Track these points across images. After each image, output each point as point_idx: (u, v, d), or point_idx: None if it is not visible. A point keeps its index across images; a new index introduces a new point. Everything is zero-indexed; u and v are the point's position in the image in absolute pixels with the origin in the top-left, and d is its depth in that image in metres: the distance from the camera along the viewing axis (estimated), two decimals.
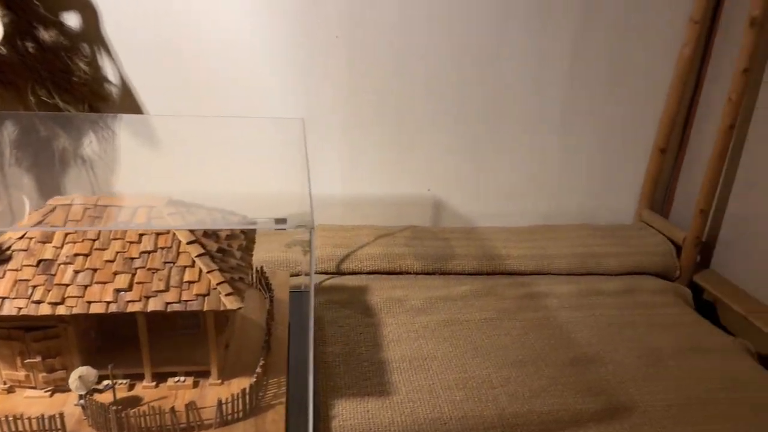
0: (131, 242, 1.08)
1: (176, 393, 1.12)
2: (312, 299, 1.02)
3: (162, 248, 1.07)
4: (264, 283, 1.48)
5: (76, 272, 1.03)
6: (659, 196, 2.34)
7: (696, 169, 2.17)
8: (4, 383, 1.08)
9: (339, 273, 1.90)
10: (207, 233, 1.12)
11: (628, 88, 2.15)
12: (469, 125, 2.14)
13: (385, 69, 2.01)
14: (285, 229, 1.89)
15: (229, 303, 1.02)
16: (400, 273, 1.94)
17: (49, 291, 1.00)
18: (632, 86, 2.15)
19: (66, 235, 1.07)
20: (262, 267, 1.51)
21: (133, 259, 1.06)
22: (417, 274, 1.95)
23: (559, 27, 2.03)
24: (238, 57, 1.91)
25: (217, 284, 1.04)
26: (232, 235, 1.20)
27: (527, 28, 2.02)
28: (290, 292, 1.57)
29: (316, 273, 1.88)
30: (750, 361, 1.58)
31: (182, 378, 1.15)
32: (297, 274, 1.79)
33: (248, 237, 1.26)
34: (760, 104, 1.88)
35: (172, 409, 1.02)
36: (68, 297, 1.00)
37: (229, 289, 1.03)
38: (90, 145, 1.83)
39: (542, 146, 2.21)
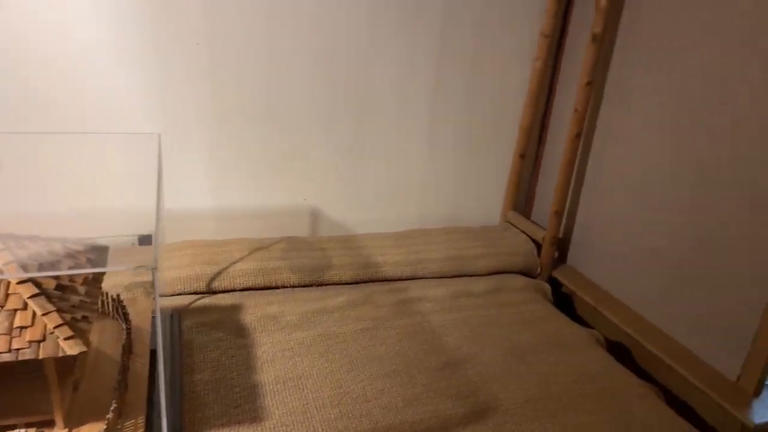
0: None
1: None
2: (160, 343, 0.96)
3: None
4: (121, 312, 1.37)
5: None
6: (521, 198, 2.51)
7: (551, 174, 2.34)
8: None
9: (210, 292, 1.81)
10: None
11: (490, 96, 2.28)
12: (341, 132, 2.15)
13: (250, 76, 1.95)
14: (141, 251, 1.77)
15: (70, 348, 0.93)
16: (276, 288, 1.90)
17: None
18: (493, 95, 2.28)
19: None
20: (118, 295, 1.40)
21: None
22: (294, 287, 1.92)
23: (424, 35, 2.09)
24: (87, 69, 1.75)
25: (55, 327, 0.94)
26: (75, 266, 1.10)
27: (395, 35, 2.05)
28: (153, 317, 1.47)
29: (184, 293, 1.78)
30: (600, 351, 1.74)
31: (23, 430, 1.03)
32: (165, 295, 1.69)
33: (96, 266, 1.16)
34: (603, 115, 2.07)
35: None
36: None
37: (69, 332, 0.94)
38: None
39: (412, 151, 2.27)
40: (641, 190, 1.92)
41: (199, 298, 1.77)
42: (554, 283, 2.24)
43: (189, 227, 2.06)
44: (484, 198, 2.47)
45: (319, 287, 1.94)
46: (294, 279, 1.91)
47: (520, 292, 2.03)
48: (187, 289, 1.79)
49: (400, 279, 2.04)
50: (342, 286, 1.96)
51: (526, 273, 2.21)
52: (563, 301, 2.24)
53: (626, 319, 1.93)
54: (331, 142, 2.15)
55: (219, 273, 1.84)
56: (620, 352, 1.97)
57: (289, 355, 1.54)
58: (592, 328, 2.05)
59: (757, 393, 1.58)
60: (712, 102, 1.65)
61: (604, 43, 2.02)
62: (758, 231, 1.54)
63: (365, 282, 2.01)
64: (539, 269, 2.23)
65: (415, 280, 2.04)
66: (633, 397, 1.52)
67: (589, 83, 1.99)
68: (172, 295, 1.76)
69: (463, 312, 1.87)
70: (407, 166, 2.29)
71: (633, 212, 1.96)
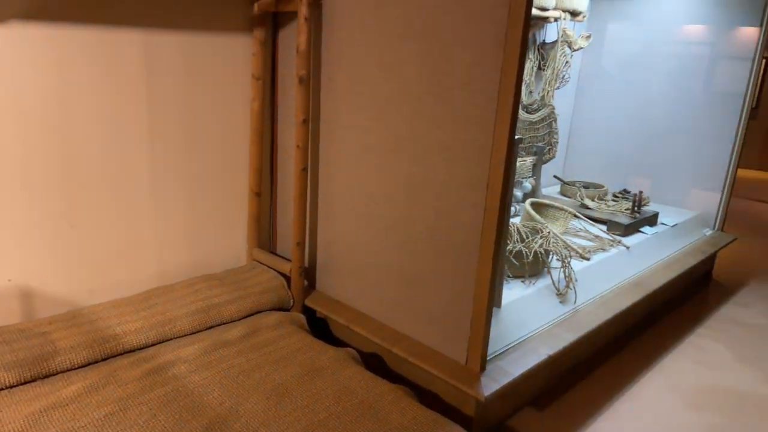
0: None
1: None
2: None
3: None
4: None
5: None
6: (265, 234, 2.54)
7: (288, 207, 2.43)
8: None
9: None
10: None
11: (216, 140, 2.26)
12: (50, 199, 1.89)
13: None
14: None
15: None
16: None
17: None
18: (219, 138, 2.27)
19: None
20: None
21: None
22: (11, 387, 1.61)
23: (129, 90, 1.98)
24: None
25: None
26: None
27: (96, 93, 1.90)
28: None
29: None
30: (357, 367, 1.86)
31: None
32: None
33: None
34: (323, 148, 2.23)
35: None
36: None
37: None
38: None
39: (137, 208, 2.12)
40: (367, 212, 2.11)
41: None
42: (308, 312, 2.32)
43: None
44: (226, 240, 2.43)
45: (46, 379, 1.67)
46: (9, 378, 1.61)
47: (276, 329, 2.05)
48: None
49: (146, 346, 1.88)
50: (75, 371, 1.72)
51: (280, 308, 2.25)
52: (320, 327, 2.34)
53: (374, 331, 2.10)
54: (36, 211, 1.87)
55: None
56: (375, 361, 2.14)
57: None
58: (349, 346, 2.19)
59: (483, 369, 1.87)
60: (404, 129, 1.92)
61: (311, 84, 2.18)
62: (452, 236, 1.84)
63: (105, 359, 1.80)
64: (292, 301, 2.28)
65: (164, 344, 1.90)
66: (388, 401, 1.67)
67: (305, 121, 2.13)
68: None
69: (222, 364, 1.81)
70: (133, 224, 2.13)
71: (364, 232, 2.15)
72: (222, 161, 2.31)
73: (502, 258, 2.11)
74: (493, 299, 1.85)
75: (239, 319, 2.10)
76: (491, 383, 1.83)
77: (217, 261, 2.41)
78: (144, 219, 2.14)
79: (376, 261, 2.13)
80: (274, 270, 2.35)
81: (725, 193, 3.62)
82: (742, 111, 3.49)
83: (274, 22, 2.32)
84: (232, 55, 2.22)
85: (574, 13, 3.28)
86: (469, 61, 1.71)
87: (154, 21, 1.99)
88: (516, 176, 3.36)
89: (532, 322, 2.20)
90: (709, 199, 3.69)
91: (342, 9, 2.03)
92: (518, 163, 3.34)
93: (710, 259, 3.66)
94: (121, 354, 1.83)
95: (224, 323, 2.06)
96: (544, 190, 3.85)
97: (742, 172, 3.68)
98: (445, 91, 1.78)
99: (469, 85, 1.72)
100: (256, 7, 2.20)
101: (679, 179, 3.78)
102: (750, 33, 3.42)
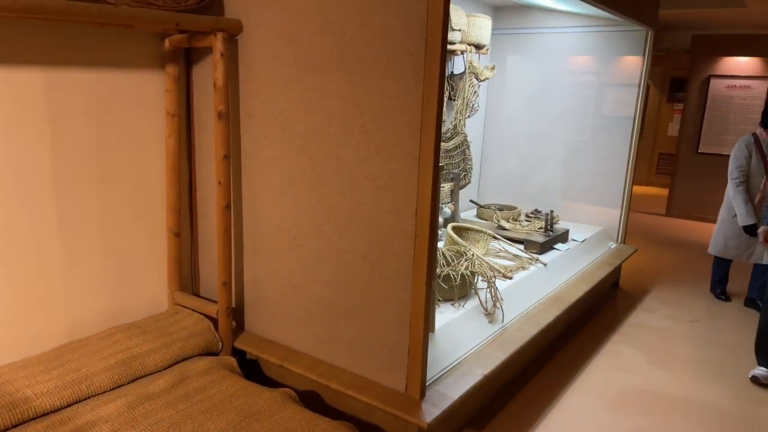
0: None
1: None
2: None
3: None
4: None
5: None
6: (187, 276, 2.43)
7: (212, 246, 2.34)
8: None
9: None
10: None
11: (128, 179, 2.15)
12: None
13: None
14: None
15: None
16: None
17: None
18: (132, 178, 2.16)
19: None
20: None
21: None
22: None
23: (30, 130, 1.85)
24: None
25: None
26: None
27: None
28: None
29: None
30: (294, 407, 1.80)
31: None
32: None
33: None
34: (246, 184, 2.18)
35: None
36: None
37: None
38: None
39: (45, 256, 1.96)
40: (295, 246, 2.08)
41: None
42: (239, 354, 2.23)
43: None
44: (145, 285, 2.30)
45: None
46: None
47: (205, 375, 1.95)
48: None
49: (61, 408, 1.72)
50: None
51: (208, 352, 2.14)
52: (252, 369, 2.25)
53: (310, 367, 2.05)
54: None
55: None
56: (313, 399, 2.09)
57: None
58: (284, 385, 2.12)
59: (423, 396, 1.87)
60: (329, 161, 1.92)
61: (230, 119, 2.15)
62: (384, 264, 1.85)
63: (15, 426, 1.62)
64: (221, 344, 2.18)
65: (81, 403, 1.75)
66: None
67: (225, 157, 2.07)
68: None
69: (149, 419, 1.69)
70: (41, 273, 1.96)
71: (293, 267, 2.11)
72: (137, 201, 2.19)
73: (434, 283, 2.15)
74: (429, 325, 1.87)
75: (165, 368, 1.98)
76: (432, 409, 1.83)
77: (137, 308, 2.27)
78: (53, 267, 1.98)
79: (307, 295, 2.09)
80: (199, 313, 2.25)
81: (624, 208, 3.92)
82: (632, 132, 3.83)
83: (187, 57, 2.26)
84: (144, 92, 2.14)
85: (478, 46, 3.47)
86: (390, 93, 1.75)
87: (56, 59, 1.88)
88: None
89: (465, 344, 2.25)
90: (611, 215, 3.98)
91: (258, 44, 2.03)
92: None
93: (617, 270, 3.92)
94: (33, 419, 1.66)
95: (148, 374, 1.93)
96: (462, 214, 3.98)
97: (634, 189, 4.01)
98: (369, 123, 1.81)
99: (391, 116, 1.76)
100: (167, 43, 2.14)
101: (582, 197, 4.05)
102: (635, 62, 3.77)
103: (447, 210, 3.55)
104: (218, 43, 1.98)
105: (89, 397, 1.79)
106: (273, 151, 2.07)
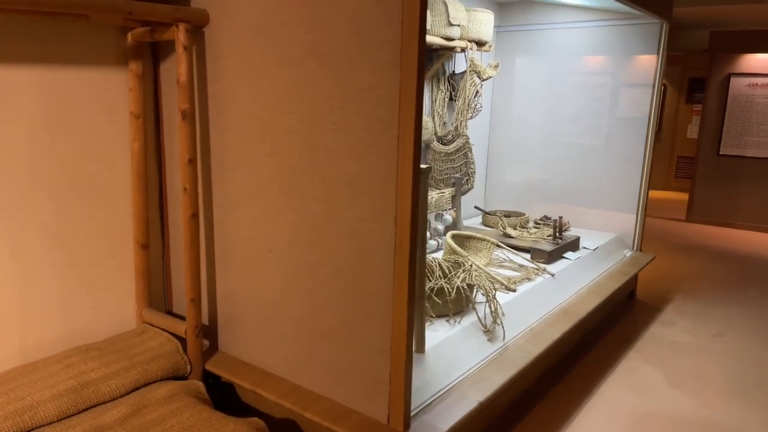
0: None
1: None
2: None
3: None
4: None
5: None
6: (157, 291, 2.24)
7: (182, 259, 2.15)
8: None
9: None
10: None
11: (89, 187, 1.97)
12: None
13: None
14: None
15: None
16: None
17: None
18: (94, 185, 1.98)
19: None
20: None
21: None
22: None
23: None
24: None
25: None
26: None
27: None
28: None
29: None
30: None
31: None
32: None
33: None
34: (216, 189, 1.99)
35: None
36: None
37: None
38: None
39: None
40: (267, 259, 1.88)
41: None
42: (212, 377, 2.03)
43: None
44: (110, 302, 2.11)
45: None
46: None
47: (166, 404, 1.75)
48: None
49: None
50: None
51: (175, 376, 1.94)
52: (225, 393, 2.05)
53: (285, 393, 1.84)
54: None
55: None
56: (287, 429, 1.88)
57: None
58: (258, 412, 1.92)
59: (407, 427, 1.65)
60: (301, 163, 1.72)
61: (198, 120, 1.96)
62: (362, 279, 1.64)
63: None
64: (189, 367, 1.98)
65: None
66: None
67: (191, 161, 1.88)
68: None
69: None
70: None
71: (266, 281, 1.91)
72: (100, 211, 2.01)
73: (422, 298, 1.93)
74: (412, 347, 1.65)
75: (122, 396, 1.78)
76: None
77: (101, 327, 2.08)
78: (4, 286, 1.81)
79: (282, 313, 1.89)
80: (168, 332, 2.05)
81: (640, 213, 3.67)
82: (647, 134, 3.58)
83: (154, 53, 2.09)
84: (105, 92, 1.96)
85: (479, 43, 3.26)
86: (364, 84, 1.55)
87: (2, 55, 1.71)
88: (436, 209, 3.24)
89: (459, 366, 2.02)
90: (625, 221, 3.72)
91: (226, 36, 1.84)
92: (436, 196, 3.22)
93: (633, 280, 3.66)
94: None
95: (102, 403, 1.74)
96: (466, 222, 3.76)
97: (650, 193, 3.76)
98: (342, 119, 1.61)
99: (364, 110, 1.55)
100: (129, 36, 1.97)
101: (595, 202, 3.80)
102: (649, 60, 3.53)
103: (448, 217, 3.33)
104: (181, 35, 1.80)
105: (33, 430, 1.60)
106: (243, 153, 1.87)
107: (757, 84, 5.83)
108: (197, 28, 1.88)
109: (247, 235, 1.92)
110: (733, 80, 5.92)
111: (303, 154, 1.71)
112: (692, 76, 7.94)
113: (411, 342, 1.63)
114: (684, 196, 6.68)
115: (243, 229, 1.93)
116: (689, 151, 7.75)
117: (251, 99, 1.81)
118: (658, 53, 3.49)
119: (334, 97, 1.62)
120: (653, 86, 3.53)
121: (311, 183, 1.71)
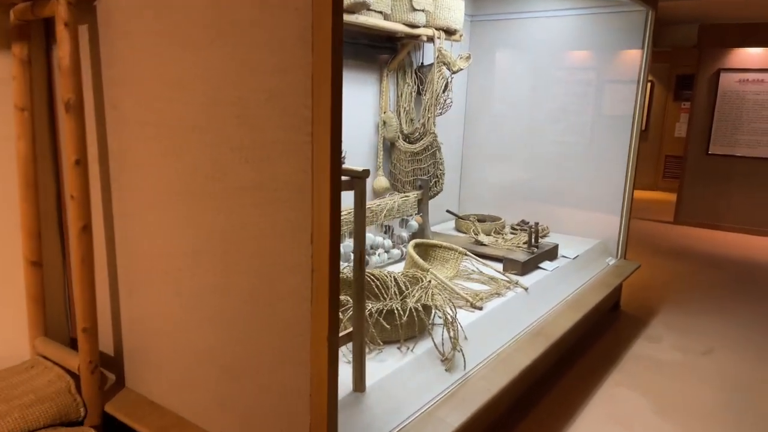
0: None
1: None
2: None
3: None
4: None
5: None
6: (56, 316, 1.91)
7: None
8: None
9: None
10: None
11: None
12: None
13: None
14: None
15: None
16: None
17: None
18: None
19: None
20: None
21: None
22: None
23: None
24: None
25: None
26: None
27: None
28: None
29: None
30: None
31: None
32: None
33: None
34: (116, 196, 1.67)
35: None
36: None
37: None
38: None
39: None
40: (171, 280, 1.56)
41: None
42: (110, 421, 1.70)
43: None
44: None
45: None
46: None
47: None
48: None
49: None
50: None
51: (63, 422, 1.62)
52: None
53: None
54: None
55: None
56: None
57: None
58: None
59: None
60: (204, 165, 1.40)
61: (94, 114, 1.64)
62: (276, 307, 1.33)
63: None
64: (83, 410, 1.66)
65: None
66: None
67: (78, 162, 1.56)
68: None
69: None
70: None
71: (171, 307, 1.58)
72: None
73: (361, 328, 1.62)
74: (337, 388, 1.34)
75: None
76: None
77: None
78: None
79: (187, 346, 1.57)
80: (62, 367, 1.72)
81: (624, 217, 3.38)
82: (632, 133, 3.29)
83: (47, 35, 1.76)
84: None
85: (449, 32, 2.96)
86: (273, 67, 1.24)
87: None
88: (400, 214, 2.93)
89: (409, 404, 1.71)
90: (609, 225, 3.43)
91: (122, 12, 1.52)
92: (400, 200, 2.91)
93: (616, 291, 3.37)
94: None
95: None
96: (438, 227, 3.45)
97: (636, 194, 3.49)
98: (248, 110, 1.29)
99: (272, 100, 1.24)
100: (12, 15, 1.64)
101: (577, 205, 3.50)
102: (634, 54, 3.24)
103: (414, 223, 3.02)
104: (61, 9, 1.47)
105: None
106: (140, 153, 1.55)
107: (747, 80, 5.58)
108: (85, 2, 1.55)
109: (148, 251, 1.60)
110: (723, 76, 5.66)
111: (207, 154, 1.40)
112: (680, 72, 7.70)
113: (335, 383, 1.31)
114: (672, 197, 6.43)
115: (143, 245, 1.61)
116: (678, 150, 7.51)
117: (149, 88, 1.49)
118: (643, 45, 3.20)
119: (242, 85, 1.30)
120: (639, 81, 3.25)
121: (217, 190, 1.39)
